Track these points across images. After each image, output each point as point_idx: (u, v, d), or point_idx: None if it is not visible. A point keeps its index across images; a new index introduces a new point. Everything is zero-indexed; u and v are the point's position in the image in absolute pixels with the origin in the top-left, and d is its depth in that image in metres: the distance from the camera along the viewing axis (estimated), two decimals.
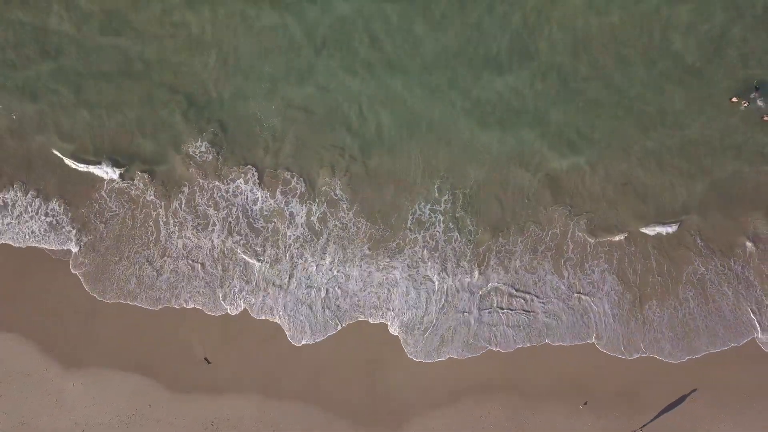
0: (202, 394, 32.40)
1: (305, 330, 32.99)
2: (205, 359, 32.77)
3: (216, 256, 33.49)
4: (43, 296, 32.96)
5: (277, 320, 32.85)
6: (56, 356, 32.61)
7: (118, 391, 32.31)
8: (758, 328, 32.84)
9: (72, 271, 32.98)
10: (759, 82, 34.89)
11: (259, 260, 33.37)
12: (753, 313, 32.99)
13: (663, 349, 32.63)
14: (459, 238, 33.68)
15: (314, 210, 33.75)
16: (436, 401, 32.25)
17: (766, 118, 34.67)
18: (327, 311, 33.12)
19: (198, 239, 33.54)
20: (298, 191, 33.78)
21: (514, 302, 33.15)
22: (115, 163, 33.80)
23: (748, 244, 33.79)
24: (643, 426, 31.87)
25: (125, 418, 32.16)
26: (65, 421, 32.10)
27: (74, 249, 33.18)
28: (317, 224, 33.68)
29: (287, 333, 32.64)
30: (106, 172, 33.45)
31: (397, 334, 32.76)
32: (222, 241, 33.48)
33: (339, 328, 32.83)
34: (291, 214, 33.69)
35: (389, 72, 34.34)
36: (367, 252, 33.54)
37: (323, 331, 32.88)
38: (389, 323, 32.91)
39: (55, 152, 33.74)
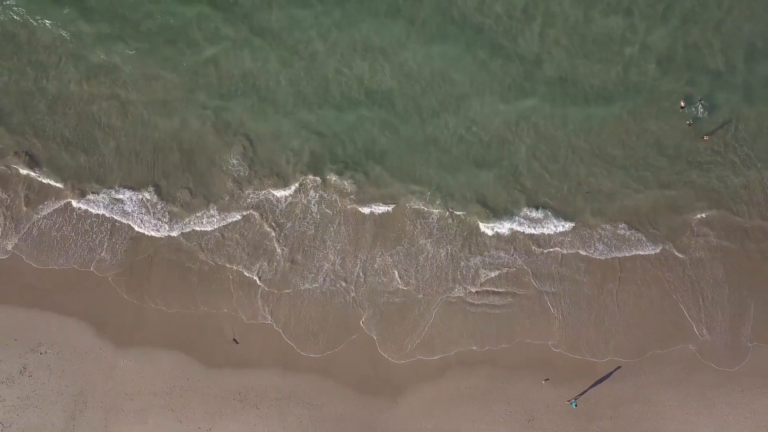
0: (231, 369, 37.93)
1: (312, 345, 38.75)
2: (234, 340, 38.42)
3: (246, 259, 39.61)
4: (99, 284, 38.61)
5: (279, 330, 38.63)
6: (109, 337, 38.16)
7: (161, 366, 37.86)
8: (699, 332, 38.48)
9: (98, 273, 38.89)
10: (703, 98, 40.73)
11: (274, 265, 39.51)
12: (693, 320, 38.59)
13: (623, 352, 38.13)
14: (452, 224, 39.71)
15: (325, 197, 39.73)
16: (427, 374, 37.91)
17: (705, 138, 40.89)
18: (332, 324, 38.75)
19: (230, 245, 39.77)
20: (314, 185, 39.95)
21: (492, 296, 39.18)
22: (158, 190, 39.95)
23: (694, 229, 39.75)
24: (570, 399, 37.22)
25: (167, 388, 37.71)
26: (117, 392, 37.56)
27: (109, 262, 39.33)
28: (328, 210, 39.63)
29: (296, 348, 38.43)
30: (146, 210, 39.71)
31: (374, 336, 38.47)
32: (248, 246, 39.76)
33: (341, 346, 38.44)
34: (308, 201, 39.87)
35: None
36: (368, 242, 39.60)
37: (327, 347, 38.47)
38: (364, 324, 38.61)
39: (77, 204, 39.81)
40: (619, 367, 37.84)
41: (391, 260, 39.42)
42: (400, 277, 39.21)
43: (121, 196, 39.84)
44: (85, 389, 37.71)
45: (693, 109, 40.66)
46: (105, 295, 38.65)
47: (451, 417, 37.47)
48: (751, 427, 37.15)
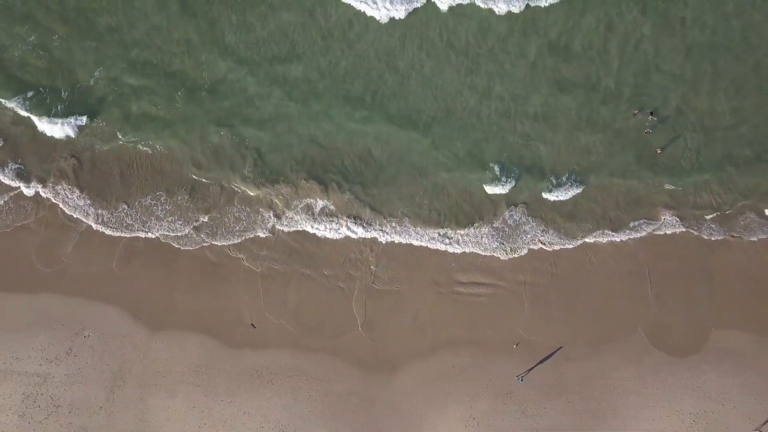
0: (250, 350, 43.18)
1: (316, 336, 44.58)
2: (252, 324, 43.75)
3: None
4: (136, 277, 44.00)
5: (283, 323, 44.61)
6: (144, 322, 43.44)
7: (189, 348, 43.11)
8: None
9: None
10: (654, 109, 46.46)
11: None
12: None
13: (589, 337, 43.81)
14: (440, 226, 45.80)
15: (326, 204, 45.64)
16: (419, 353, 43.36)
17: (659, 151, 47.06)
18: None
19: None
20: (318, 190, 45.74)
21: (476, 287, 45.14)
22: (191, 191, 45.87)
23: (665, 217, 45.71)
24: (519, 375, 42.59)
25: (194, 367, 42.91)
26: (150, 371, 42.77)
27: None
28: (327, 214, 45.57)
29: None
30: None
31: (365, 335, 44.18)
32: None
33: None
34: (308, 204, 45.76)
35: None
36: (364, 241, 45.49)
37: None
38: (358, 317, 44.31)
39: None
40: (560, 348, 43.59)
41: (385, 258, 45.44)
42: (393, 270, 45.15)
43: (151, 202, 45.73)
44: (123, 368, 43.02)
45: (647, 119, 46.47)
46: (140, 285, 44.11)
47: (440, 391, 43.08)
48: (696, 399, 42.95)
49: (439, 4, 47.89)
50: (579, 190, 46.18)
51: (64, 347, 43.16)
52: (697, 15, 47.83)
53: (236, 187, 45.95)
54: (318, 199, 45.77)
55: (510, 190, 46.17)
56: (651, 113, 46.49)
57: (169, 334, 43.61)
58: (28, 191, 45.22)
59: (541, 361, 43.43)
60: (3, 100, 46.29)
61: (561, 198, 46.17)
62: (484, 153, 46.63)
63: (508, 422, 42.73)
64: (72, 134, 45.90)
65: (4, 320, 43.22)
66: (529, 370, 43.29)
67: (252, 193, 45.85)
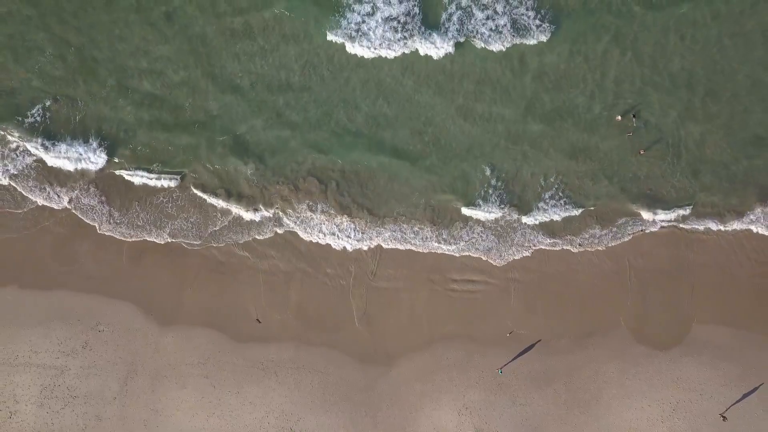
0: (255, 343, 45.31)
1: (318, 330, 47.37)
2: (257, 320, 46.01)
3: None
4: (147, 274, 46.12)
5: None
6: (155, 317, 45.56)
7: (198, 342, 45.29)
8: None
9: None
10: (636, 111, 48.32)
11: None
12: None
13: (576, 331, 46.41)
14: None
15: (325, 207, 47.64)
16: (415, 347, 45.72)
17: (642, 152, 49.15)
18: None
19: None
20: (317, 191, 47.78)
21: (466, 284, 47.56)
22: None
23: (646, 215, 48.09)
24: (500, 367, 44.94)
25: (202, 360, 45.09)
26: (161, 363, 45.07)
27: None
28: (325, 214, 47.63)
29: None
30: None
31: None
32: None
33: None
34: (307, 205, 47.66)
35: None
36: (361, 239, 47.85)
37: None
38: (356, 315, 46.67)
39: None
40: (539, 341, 46.10)
41: (383, 257, 47.79)
42: (391, 269, 47.49)
43: (162, 200, 48.00)
44: (136, 360, 45.30)
45: (630, 123, 48.14)
46: (151, 283, 46.22)
47: (435, 381, 45.48)
48: (676, 389, 45.50)
49: (432, 53, 48.61)
50: (567, 214, 48.28)
51: (80, 341, 45.53)
52: (689, 30, 49.43)
53: (235, 209, 47.81)
54: (318, 202, 47.93)
55: (502, 213, 48.18)
56: (633, 115, 48.36)
57: (179, 329, 45.88)
58: (55, 203, 47.10)
59: (519, 354, 45.86)
60: (9, 136, 47.39)
61: (551, 219, 48.33)
62: (475, 177, 48.48)
63: (499, 411, 45.28)
64: (92, 169, 47.54)
65: (24, 316, 45.57)
66: (509, 362, 45.74)
67: (247, 217, 47.64)
